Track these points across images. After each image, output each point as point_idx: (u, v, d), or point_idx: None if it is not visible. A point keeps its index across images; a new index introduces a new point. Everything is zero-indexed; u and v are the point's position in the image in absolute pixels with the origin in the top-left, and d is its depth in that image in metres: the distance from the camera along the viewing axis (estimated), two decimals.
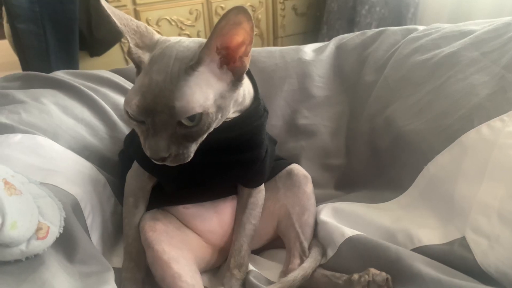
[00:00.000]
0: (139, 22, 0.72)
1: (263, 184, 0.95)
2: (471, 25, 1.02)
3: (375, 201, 0.94)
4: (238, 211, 0.93)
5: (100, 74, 1.18)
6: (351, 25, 2.62)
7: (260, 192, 0.94)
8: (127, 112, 0.68)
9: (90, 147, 0.99)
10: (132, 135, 0.97)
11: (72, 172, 0.85)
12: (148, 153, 0.67)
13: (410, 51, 1.07)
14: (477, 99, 0.83)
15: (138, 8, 2.23)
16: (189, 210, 0.90)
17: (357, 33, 1.27)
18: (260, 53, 1.25)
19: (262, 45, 2.71)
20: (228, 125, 0.78)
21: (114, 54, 2.23)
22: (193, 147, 0.69)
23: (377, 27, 2.52)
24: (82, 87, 1.08)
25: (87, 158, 0.96)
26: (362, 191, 1.01)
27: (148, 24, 2.27)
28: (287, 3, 2.66)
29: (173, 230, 0.87)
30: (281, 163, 1.00)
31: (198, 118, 0.65)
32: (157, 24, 2.29)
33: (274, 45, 2.76)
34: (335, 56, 1.24)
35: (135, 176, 0.89)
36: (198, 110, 0.65)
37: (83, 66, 2.11)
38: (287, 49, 1.27)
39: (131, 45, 0.68)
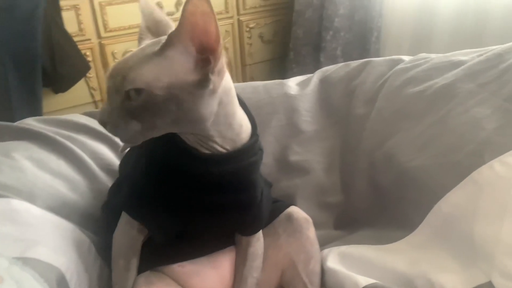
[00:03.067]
0: (163, 15, 0.74)
1: (261, 232, 0.89)
2: (459, 56, 1.02)
3: (382, 242, 0.89)
4: (238, 263, 0.87)
5: (75, 120, 1.09)
6: (317, 51, 2.65)
7: (259, 240, 0.88)
8: None
9: (70, 203, 0.90)
10: (118, 185, 0.90)
11: (54, 239, 0.76)
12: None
13: (401, 83, 1.05)
14: (484, 133, 0.81)
15: (103, 42, 2.14)
16: (186, 269, 0.83)
17: (340, 65, 1.25)
18: (244, 89, 1.21)
19: (231, 74, 2.65)
20: (221, 158, 0.74)
21: (80, 90, 2.12)
22: (134, 126, 0.64)
23: (343, 51, 2.56)
24: (57, 137, 0.99)
25: (68, 216, 0.87)
26: (365, 231, 0.97)
27: (114, 57, 2.19)
28: (254, 31, 2.65)
29: None
30: (278, 206, 0.95)
31: (142, 95, 0.62)
32: (123, 56, 2.21)
33: (243, 73, 2.74)
34: (320, 90, 1.22)
35: (123, 233, 0.81)
36: (141, 85, 0.62)
37: (47, 103, 1.99)
38: (271, 84, 1.24)
39: (142, 26, 0.71)
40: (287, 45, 2.70)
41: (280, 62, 2.80)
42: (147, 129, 0.65)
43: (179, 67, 0.63)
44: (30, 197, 0.82)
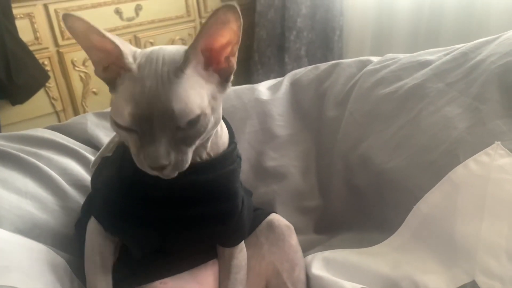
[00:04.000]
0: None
1: (243, 242, 0.87)
2: (426, 55, 1.04)
3: (364, 244, 0.90)
4: (222, 277, 0.84)
5: (39, 135, 1.03)
6: (281, 51, 2.66)
7: (242, 251, 0.86)
8: (115, 122, 0.62)
9: (40, 224, 0.85)
10: (91, 200, 0.86)
11: (27, 263, 0.72)
12: (146, 162, 0.60)
13: (371, 85, 1.06)
14: (456, 132, 0.83)
15: (61, 50, 2.06)
16: (168, 286, 0.80)
17: (309, 67, 1.26)
18: None
19: None
20: (200, 167, 0.72)
21: (40, 100, 2.04)
22: (190, 153, 0.63)
23: (307, 51, 2.59)
24: (21, 154, 0.93)
25: (38, 238, 0.82)
26: (347, 234, 0.97)
27: (74, 65, 2.12)
28: None
29: None
30: (258, 214, 0.93)
31: (196, 120, 0.61)
32: (83, 64, 2.14)
33: None
34: (291, 93, 1.21)
35: (98, 232, 0.78)
36: (197, 111, 0.60)
37: (5, 115, 1.91)
38: (241, 89, 1.22)
39: (123, 50, 0.62)
40: (251, 47, 2.70)
41: (245, 64, 2.79)
42: (192, 152, 0.64)
43: (201, 79, 0.63)
44: None
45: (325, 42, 2.55)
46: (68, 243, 0.87)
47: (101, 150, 0.89)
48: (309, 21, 2.52)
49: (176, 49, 0.65)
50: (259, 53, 2.69)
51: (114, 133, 0.88)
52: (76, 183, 0.98)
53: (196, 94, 0.61)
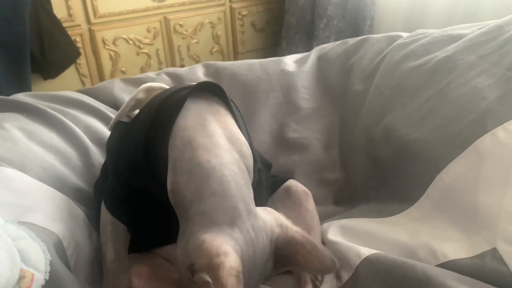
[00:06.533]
0: None
1: None
2: (459, 29, 1.01)
3: (382, 215, 0.88)
4: None
5: (67, 95, 1.06)
6: (310, 39, 2.63)
7: None
8: None
9: (62, 177, 0.86)
10: (105, 172, 0.88)
11: (50, 206, 0.74)
12: None
13: (400, 58, 1.03)
14: (485, 103, 0.79)
15: (93, 28, 2.11)
16: None
17: (338, 42, 1.24)
18: (240, 66, 1.19)
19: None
20: None
21: (69, 76, 2.09)
22: None
23: (336, 40, 2.53)
24: (49, 109, 0.95)
25: (60, 190, 0.84)
26: (366, 205, 0.95)
27: (105, 44, 2.16)
28: (246, 19, 2.63)
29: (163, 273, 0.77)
30: (276, 180, 0.93)
31: None
32: (113, 43, 2.18)
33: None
34: (318, 67, 1.20)
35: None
36: None
37: (37, 89, 1.95)
38: (267, 61, 1.22)
39: None
40: (280, 34, 2.68)
41: (273, 51, 2.78)
42: None
43: None
44: (21, 167, 0.79)
45: (355, 32, 2.51)
46: (88, 199, 0.89)
47: (119, 111, 0.89)
48: (340, 10, 2.49)
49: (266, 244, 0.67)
50: (287, 40, 2.67)
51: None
52: (100, 141, 1.00)
53: None
